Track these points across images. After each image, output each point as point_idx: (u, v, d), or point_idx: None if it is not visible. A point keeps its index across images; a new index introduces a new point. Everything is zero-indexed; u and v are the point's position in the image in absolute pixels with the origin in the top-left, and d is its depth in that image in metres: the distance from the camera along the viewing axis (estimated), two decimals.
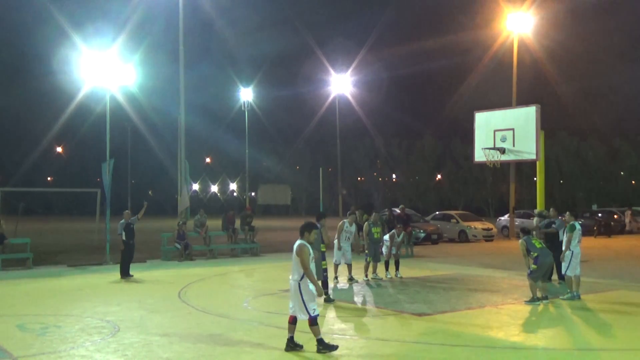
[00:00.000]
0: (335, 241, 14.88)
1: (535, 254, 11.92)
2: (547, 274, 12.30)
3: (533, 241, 12.12)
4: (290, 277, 8.31)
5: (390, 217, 23.38)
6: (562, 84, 63.46)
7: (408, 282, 15.19)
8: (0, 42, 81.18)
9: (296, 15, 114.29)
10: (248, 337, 9.28)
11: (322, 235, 12.33)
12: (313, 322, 8.13)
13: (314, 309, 8.16)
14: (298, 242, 8.27)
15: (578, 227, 12.86)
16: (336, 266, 14.92)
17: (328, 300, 12.14)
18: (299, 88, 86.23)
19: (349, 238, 15.12)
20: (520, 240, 12.37)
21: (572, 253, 12.65)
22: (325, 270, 12.59)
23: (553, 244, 14.65)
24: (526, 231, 12.55)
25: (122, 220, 16.53)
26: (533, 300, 12.00)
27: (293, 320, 8.29)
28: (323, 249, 12.48)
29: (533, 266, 11.95)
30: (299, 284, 8.14)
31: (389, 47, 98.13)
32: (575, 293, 12.67)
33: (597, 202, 57.00)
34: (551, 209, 15.57)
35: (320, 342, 8.20)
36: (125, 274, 16.17)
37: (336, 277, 14.88)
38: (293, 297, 8.25)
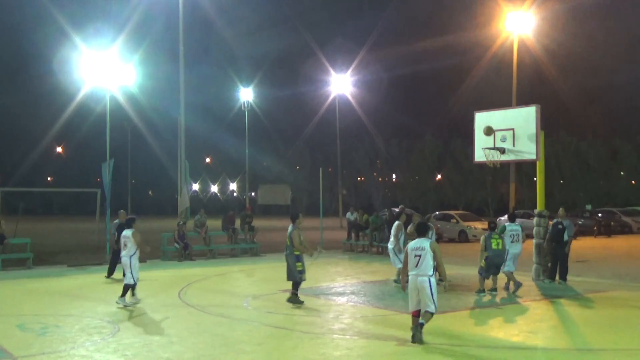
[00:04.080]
0: (392, 245, 14.33)
1: (487, 254, 12.89)
2: (496, 271, 13.21)
3: (492, 240, 12.94)
4: (416, 272, 8.67)
5: (390, 217, 23.42)
6: (562, 84, 63.48)
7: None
8: (0, 42, 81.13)
9: (296, 15, 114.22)
10: (248, 337, 9.28)
11: (296, 237, 11.83)
12: (432, 314, 8.70)
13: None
14: (430, 241, 8.87)
15: (508, 228, 13.84)
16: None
17: (295, 300, 11.89)
18: (299, 88, 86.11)
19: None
20: (483, 236, 13.23)
21: (507, 252, 13.36)
22: (301, 272, 11.95)
23: (558, 243, 14.72)
24: (492, 227, 13.41)
25: (117, 220, 16.49)
26: (480, 291, 12.96)
27: (418, 314, 8.76)
28: (297, 252, 11.90)
29: (482, 263, 12.92)
30: (430, 279, 8.60)
31: (389, 47, 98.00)
32: (511, 288, 13.44)
33: (597, 202, 56.94)
34: (560, 210, 15.59)
35: (422, 325, 8.71)
36: (110, 273, 16.16)
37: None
38: (421, 292, 8.64)
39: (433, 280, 8.67)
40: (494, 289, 13.24)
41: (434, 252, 8.68)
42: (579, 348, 8.81)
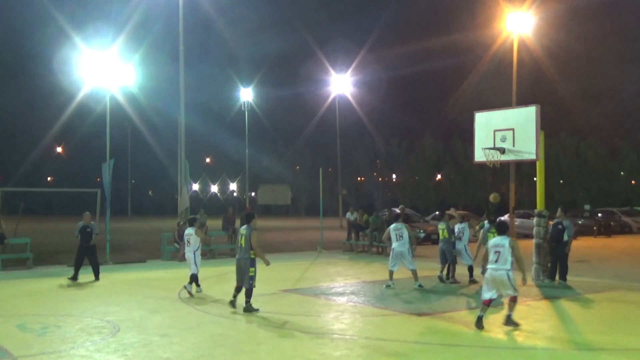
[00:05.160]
0: (409, 246, 14.10)
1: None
2: None
3: (489, 234, 13.40)
4: (496, 266, 9.73)
5: (390, 217, 23.42)
6: (562, 84, 63.40)
7: (408, 282, 15.18)
8: (0, 42, 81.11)
9: (296, 15, 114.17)
10: (248, 337, 9.29)
11: (255, 238, 11.21)
12: (516, 298, 9.81)
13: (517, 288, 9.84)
14: (510, 238, 9.86)
15: (486, 225, 14.42)
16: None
17: (250, 309, 11.23)
18: (299, 88, 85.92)
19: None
20: (482, 230, 14.06)
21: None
22: (252, 278, 11.14)
23: (558, 243, 14.74)
24: (492, 220, 13.97)
25: (81, 222, 16.04)
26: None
27: (489, 303, 9.83)
28: (252, 256, 11.17)
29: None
30: (508, 272, 9.67)
31: (389, 47, 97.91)
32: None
33: (597, 202, 56.93)
34: (559, 210, 15.59)
35: (510, 317, 9.75)
36: (75, 274, 15.52)
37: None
38: (500, 284, 9.72)
39: (511, 273, 9.68)
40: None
41: (512, 249, 9.69)
42: (579, 348, 8.80)
